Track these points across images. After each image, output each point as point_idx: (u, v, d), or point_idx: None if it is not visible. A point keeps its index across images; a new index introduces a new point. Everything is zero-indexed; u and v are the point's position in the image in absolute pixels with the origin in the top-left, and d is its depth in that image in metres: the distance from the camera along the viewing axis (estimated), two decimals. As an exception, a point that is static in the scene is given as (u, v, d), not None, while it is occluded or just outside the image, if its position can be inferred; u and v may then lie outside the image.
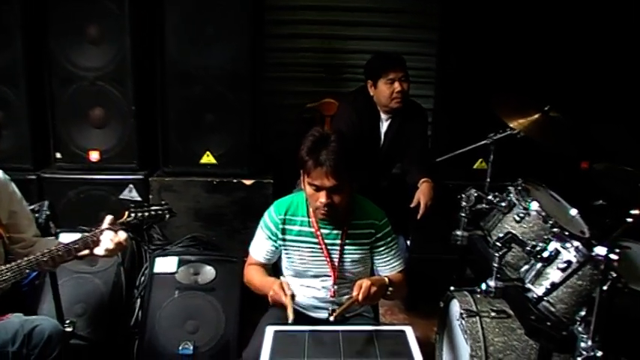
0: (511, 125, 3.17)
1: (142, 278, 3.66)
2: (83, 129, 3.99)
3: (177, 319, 3.45)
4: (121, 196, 3.98)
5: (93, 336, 3.44)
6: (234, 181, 4.05)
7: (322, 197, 2.62)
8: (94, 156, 3.99)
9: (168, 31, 3.87)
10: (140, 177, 4.04)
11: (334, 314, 2.59)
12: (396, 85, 3.70)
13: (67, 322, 3.28)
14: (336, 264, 2.81)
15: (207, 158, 4.02)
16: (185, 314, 3.46)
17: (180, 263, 3.58)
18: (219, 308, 3.49)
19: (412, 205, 3.66)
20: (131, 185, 3.99)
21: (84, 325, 3.46)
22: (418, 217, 3.65)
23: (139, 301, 3.61)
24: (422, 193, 3.68)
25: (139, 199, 3.97)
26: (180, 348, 3.38)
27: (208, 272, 3.57)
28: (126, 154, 4.03)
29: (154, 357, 3.40)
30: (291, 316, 2.51)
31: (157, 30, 3.87)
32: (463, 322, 2.78)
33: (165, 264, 3.59)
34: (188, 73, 3.91)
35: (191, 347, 3.38)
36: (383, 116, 3.88)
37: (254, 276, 2.91)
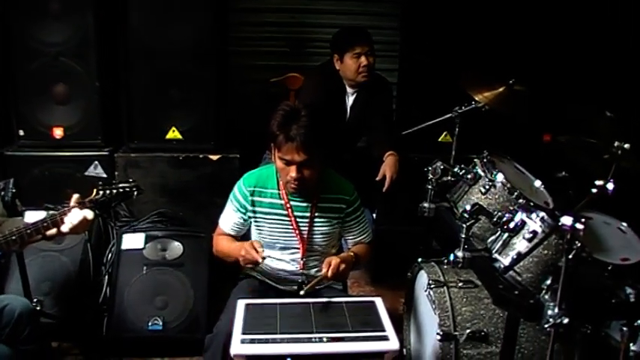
0: (476, 98, 3.21)
1: (110, 255, 3.65)
2: (46, 106, 3.90)
3: (146, 295, 3.47)
4: (87, 173, 3.92)
5: (60, 314, 3.43)
6: (201, 156, 4.02)
7: (293, 172, 2.64)
8: (58, 133, 3.91)
9: (131, 6, 3.79)
10: (105, 153, 3.98)
11: (304, 289, 2.64)
12: (362, 59, 3.71)
13: (35, 301, 3.25)
14: (305, 237, 2.85)
15: (173, 134, 3.98)
16: (154, 290, 3.48)
17: (148, 239, 3.59)
18: (188, 283, 3.51)
19: (378, 179, 3.70)
20: (96, 162, 3.94)
21: (51, 304, 3.44)
22: (384, 190, 3.68)
23: (106, 278, 3.60)
24: (387, 166, 3.72)
25: (104, 175, 3.92)
26: (149, 324, 3.40)
27: (176, 248, 3.58)
28: (90, 131, 3.96)
29: (124, 333, 3.42)
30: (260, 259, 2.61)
31: (120, 4, 3.79)
32: (431, 292, 2.82)
33: (133, 240, 3.59)
34: (152, 47, 3.85)
35: (160, 323, 3.40)
36: (349, 90, 3.89)
37: (223, 244, 2.94)
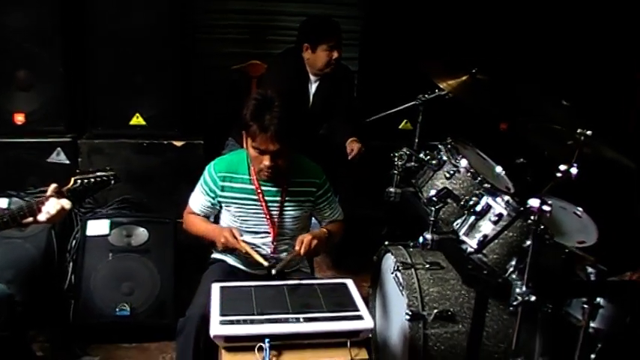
0: (441, 86, 3.30)
1: (74, 242, 3.63)
2: (8, 91, 3.83)
3: (113, 281, 3.48)
4: (49, 160, 3.88)
5: (25, 301, 3.36)
6: (165, 142, 4.01)
7: (266, 161, 2.68)
8: (19, 119, 3.85)
9: (96, -9, 3.77)
10: (68, 140, 3.93)
11: (276, 268, 2.72)
12: (334, 52, 3.78)
13: (-1, 288, 3.24)
14: (276, 221, 2.89)
15: (137, 120, 3.96)
16: (120, 276, 3.49)
17: (113, 225, 3.59)
18: (154, 269, 3.53)
19: (350, 157, 3.81)
20: (59, 148, 3.89)
21: (16, 291, 3.29)
22: (350, 157, 3.81)
23: (71, 264, 3.59)
24: (354, 142, 3.84)
25: (67, 162, 3.88)
26: (117, 310, 3.42)
27: (141, 234, 3.59)
28: (53, 117, 3.91)
29: (91, 319, 3.42)
30: (263, 262, 2.72)
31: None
32: (399, 274, 2.90)
33: (98, 227, 3.59)
34: (117, 33, 3.82)
35: (128, 309, 3.41)
36: (312, 78, 3.94)
37: (197, 223, 2.97)
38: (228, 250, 2.81)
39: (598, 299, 2.47)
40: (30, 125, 3.90)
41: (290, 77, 3.87)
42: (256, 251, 2.80)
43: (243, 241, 2.77)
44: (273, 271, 2.72)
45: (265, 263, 2.71)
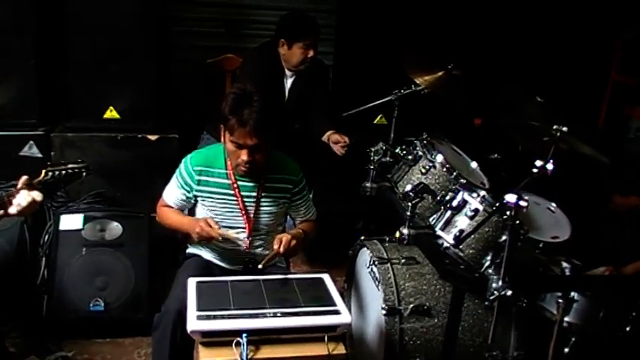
0: (417, 81, 3.31)
1: (47, 236, 3.58)
2: (-22, 84, 3.77)
3: (86, 275, 3.45)
4: (21, 153, 3.83)
5: (-2, 295, 3.38)
6: (139, 136, 3.98)
7: (244, 155, 2.67)
8: (-9, 112, 3.81)
9: (71, -17, 3.71)
10: (41, 133, 3.87)
11: (262, 263, 2.73)
12: (310, 51, 3.77)
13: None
14: (252, 216, 2.89)
15: (111, 113, 3.92)
16: (94, 271, 3.46)
17: (86, 220, 3.55)
18: (128, 263, 3.50)
19: (341, 152, 3.80)
20: (31, 142, 3.84)
21: None
22: (340, 150, 3.80)
23: (44, 259, 3.54)
24: (336, 134, 3.83)
25: (39, 155, 3.83)
26: (90, 305, 3.39)
27: (115, 228, 3.56)
28: (25, 110, 3.84)
29: (65, 314, 3.39)
30: (240, 240, 2.75)
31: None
32: (375, 268, 2.92)
33: (71, 221, 3.55)
34: (91, 26, 3.77)
35: (102, 303, 3.39)
36: (287, 73, 3.93)
37: (170, 216, 2.97)
38: (204, 240, 2.79)
39: (572, 294, 2.50)
40: (1, 118, 3.83)
41: (265, 72, 3.85)
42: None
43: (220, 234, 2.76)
44: (260, 266, 2.73)
45: (243, 237, 2.72)
